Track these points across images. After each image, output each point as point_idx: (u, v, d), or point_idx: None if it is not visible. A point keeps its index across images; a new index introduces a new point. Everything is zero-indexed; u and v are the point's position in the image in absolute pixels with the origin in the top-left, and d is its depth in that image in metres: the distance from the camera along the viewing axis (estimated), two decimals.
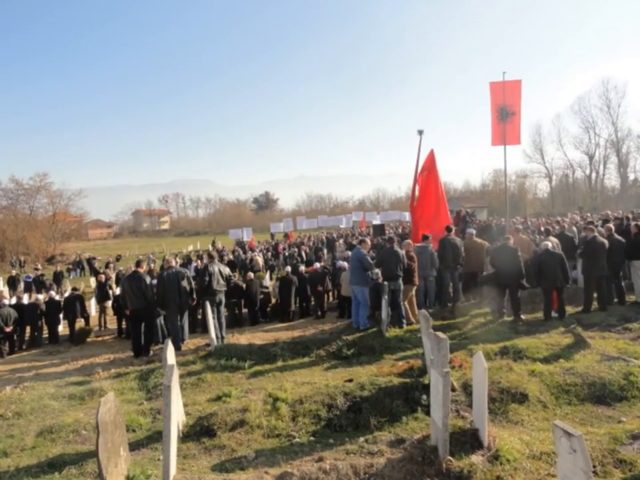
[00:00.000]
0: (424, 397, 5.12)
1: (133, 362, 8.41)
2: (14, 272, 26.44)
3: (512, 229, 12.01)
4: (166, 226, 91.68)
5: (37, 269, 27.33)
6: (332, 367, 7.01)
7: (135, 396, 6.52)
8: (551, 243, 9.04)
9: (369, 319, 9.16)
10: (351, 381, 5.91)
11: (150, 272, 12.85)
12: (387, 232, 25.49)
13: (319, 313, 11.80)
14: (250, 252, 27.12)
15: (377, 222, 35.06)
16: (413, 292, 9.50)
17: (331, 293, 13.67)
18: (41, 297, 13.86)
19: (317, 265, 13.83)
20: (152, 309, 9.05)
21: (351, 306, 9.85)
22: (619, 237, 9.18)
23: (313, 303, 12.55)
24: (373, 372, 6.40)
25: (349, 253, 12.03)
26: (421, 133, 12.05)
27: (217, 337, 8.69)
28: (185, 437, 4.83)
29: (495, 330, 8.17)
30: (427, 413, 4.67)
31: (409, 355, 7.18)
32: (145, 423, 5.37)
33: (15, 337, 11.43)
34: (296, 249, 24.91)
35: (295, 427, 4.92)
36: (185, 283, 9.05)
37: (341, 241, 26.22)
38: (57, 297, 13.99)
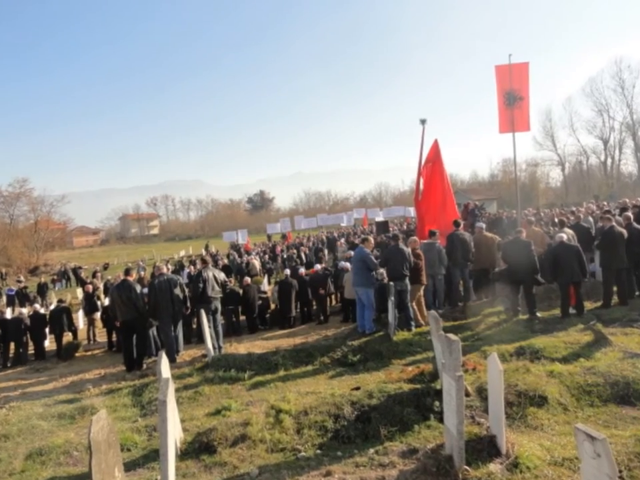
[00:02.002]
0: (436, 403, 5.13)
1: (125, 377, 8.41)
2: None
3: (524, 222, 12.01)
4: (155, 231, 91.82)
5: (19, 281, 27.34)
6: (337, 375, 7.02)
7: (129, 413, 6.52)
8: (566, 234, 9.04)
9: (375, 323, 9.17)
10: (358, 388, 5.92)
11: (140, 280, 12.85)
12: (391, 229, 25.49)
13: (322, 317, 11.81)
14: (246, 255, 27.15)
15: (380, 219, 35.12)
16: (421, 292, 9.51)
17: (333, 296, 13.68)
18: (25, 310, 13.88)
19: (318, 266, 13.82)
20: (143, 319, 9.05)
21: (355, 309, 9.85)
22: (639, 226, 9.18)
23: (314, 307, 12.56)
24: (381, 378, 6.41)
25: (352, 252, 12.05)
26: (423, 122, 12.07)
27: (214, 347, 8.70)
28: (183, 455, 4.83)
29: (509, 329, 8.18)
30: (440, 420, 4.67)
31: (419, 359, 7.18)
32: (140, 441, 5.37)
33: None
34: (295, 251, 24.94)
35: (300, 440, 4.93)
36: (177, 291, 9.05)
37: (343, 240, 26.25)
38: (42, 310, 14.00)
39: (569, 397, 5.24)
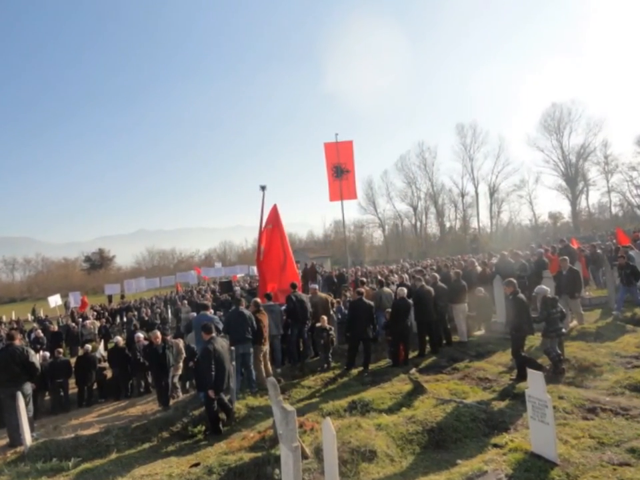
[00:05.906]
0: (277, 471, 4.91)
1: None
2: None
3: (352, 281, 12.79)
4: None
5: None
6: (176, 451, 6.35)
7: None
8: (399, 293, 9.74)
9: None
10: (197, 464, 5.44)
11: None
12: (236, 288, 25.14)
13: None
14: (80, 319, 24.15)
15: (221, 274, 35.10)
16: (266, 352, 9.33)
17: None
18: None
19: (157, 333, 12.79)
20: None
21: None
22: (442, 284, 10.38)
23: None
24: (223, 449, 5.99)
25: (194, 314, 11.45)
26: (263, 188, 12.30)
27: (31, 434, 7.29)
28: None
29: (344, 384, 8.39)
30: None
31: (264, 424, 6.88)
32: None
33: None
34: (135, 312, 22.94)
35: None
36: None
37: (185, 301, 24.98)
38: None
39: (394, 447, 5.44)
